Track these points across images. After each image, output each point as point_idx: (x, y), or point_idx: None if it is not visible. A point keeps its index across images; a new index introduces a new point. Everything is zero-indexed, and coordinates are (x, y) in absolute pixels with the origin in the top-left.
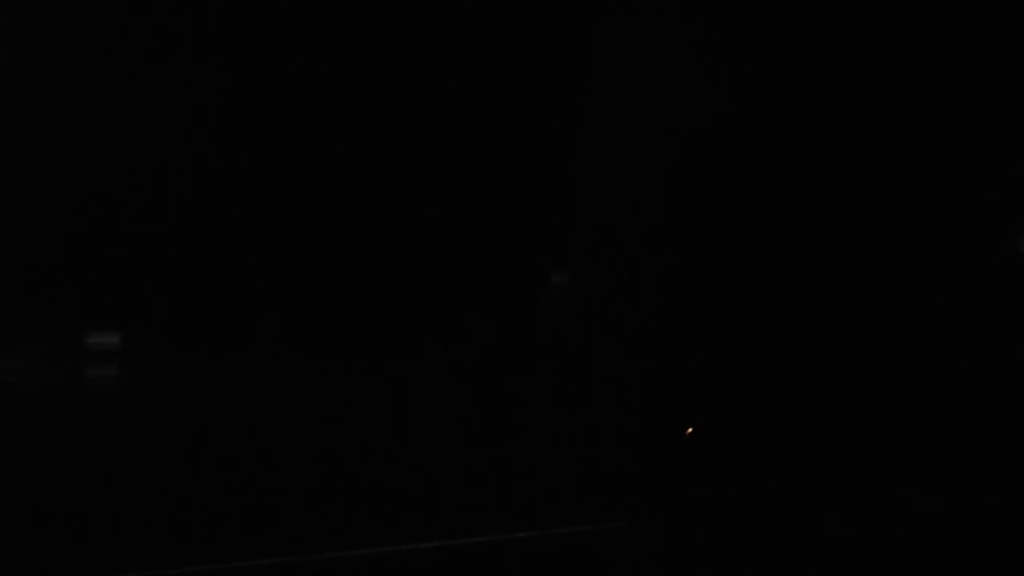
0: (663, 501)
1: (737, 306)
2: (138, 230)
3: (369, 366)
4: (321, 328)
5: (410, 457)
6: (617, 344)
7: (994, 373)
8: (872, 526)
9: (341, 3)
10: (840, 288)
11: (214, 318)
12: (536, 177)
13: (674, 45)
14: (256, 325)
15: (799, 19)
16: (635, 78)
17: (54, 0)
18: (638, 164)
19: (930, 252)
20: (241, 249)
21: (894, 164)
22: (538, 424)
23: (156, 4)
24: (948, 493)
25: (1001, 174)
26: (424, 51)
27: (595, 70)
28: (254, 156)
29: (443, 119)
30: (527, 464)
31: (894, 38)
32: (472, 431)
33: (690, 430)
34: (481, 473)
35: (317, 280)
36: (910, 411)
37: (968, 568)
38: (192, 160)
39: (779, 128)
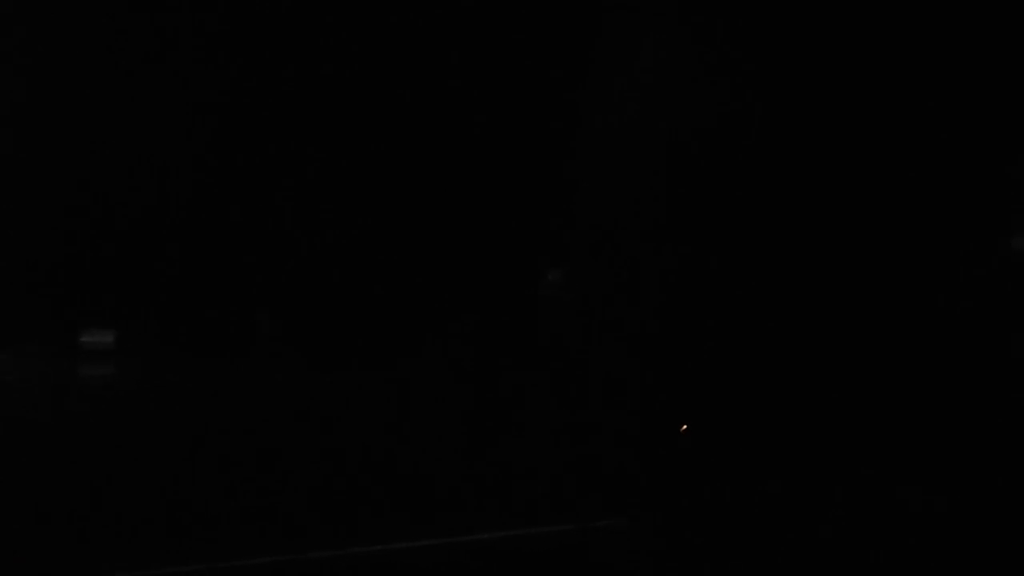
0: (662, 501)
1: (737, 306)
2: (138, 231)
3: (368, 366)
4: (321, 328)
5: (410, 457)
6: (617, 344)
7: (994, 373)
8: (872, 526)
9: (341, 3)
10: (840, 288)
11: (213, 318)
12: (536, 177)
13: (674, 45)
14: (255, 325)
15: (799, 19)
16: (635, 78)
17: (54, 0)
18: (638, 164)
19: (930, 251)
20: (240, 250)
21: (894, 164)
22: (538, 424)
23: (154, 4)
24: (948, 493)
25: (1001, 174)
26: (424, 51)
27: (595, 70)
28: (253, 156)
29: (443, 119)
30: (527, 464)
31: (894, 38)
32: (472, 431)
33: (684, 427)
34: (481, 473)
35: (317, 280)
36: (910, 411)
37: (968, 568)
38: (192, 161)
39: (778, 128)
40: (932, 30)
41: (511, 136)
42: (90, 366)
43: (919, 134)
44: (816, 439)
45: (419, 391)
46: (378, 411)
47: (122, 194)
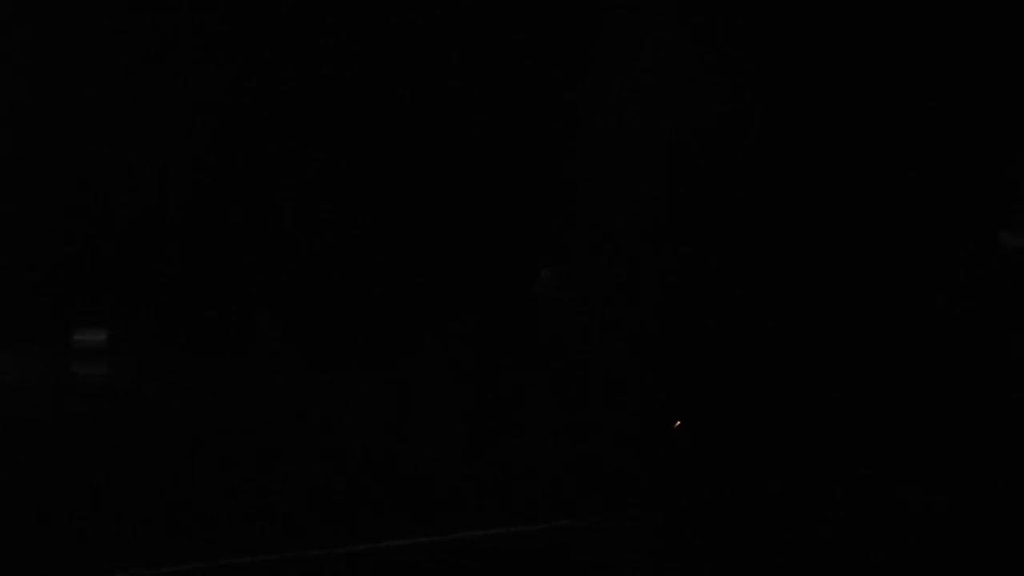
0: (662, 501)
1: (737, 306)
2: (136, 230)
3: (368, 366)
4: (320, 328)
5: (409, 456)
6: (617, 344)
7: (994, 373)
8: (872, 526)
9: (341, 2)
10: (840, 288)
11: (212, 318)
12: (536, 176)
13: (674, 45)
14: (254, 325)
15: (799, 19)
16: (635, 78)
17: (53, 0)
18: (638, 164)
19: (930, 251)
20: (240, 249)
21: (894, 164)
22: (538, 424)
23: (152, 4)
24: (948, 493)
25: (1000, 173)
26: (424, 51)
27: (595, 70)
28: (252, 155)
29: (443, 119)
30: (527, 464)
31: (894, 38)
32: (472, 431)
33: (678, 423)
34: (480, 472)
35: (317, 280)
36: (910, 411)
37: (968, 568)
38: (191, 160)
39: (779, 128)
40: (932, 30)
41: (511, 136)
42: (90, 366)
43: (919, 134)
44: (816, 439)
45: (419, 391)
46: (378, 411)
47: (123, 194)
